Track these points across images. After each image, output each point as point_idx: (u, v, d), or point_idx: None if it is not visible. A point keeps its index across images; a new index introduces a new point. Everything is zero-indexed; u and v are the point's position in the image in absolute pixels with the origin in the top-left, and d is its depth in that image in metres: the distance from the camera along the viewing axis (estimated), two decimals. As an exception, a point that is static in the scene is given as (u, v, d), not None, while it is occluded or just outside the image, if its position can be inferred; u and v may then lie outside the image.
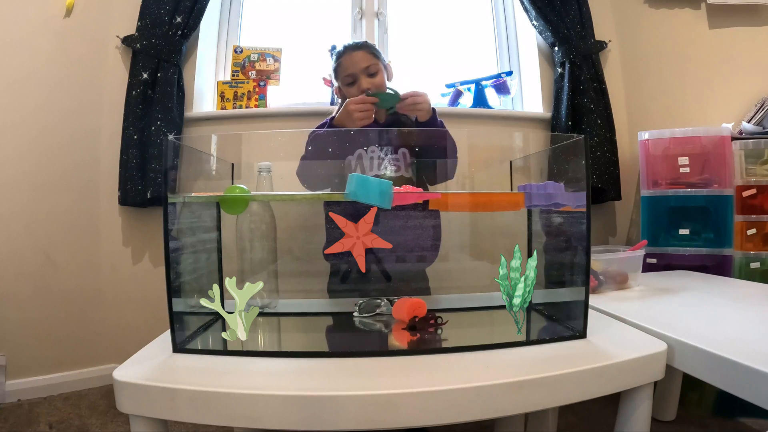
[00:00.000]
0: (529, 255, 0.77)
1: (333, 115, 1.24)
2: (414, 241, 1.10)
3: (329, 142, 1.05)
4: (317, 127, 1.25)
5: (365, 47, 1.24)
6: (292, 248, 1.10)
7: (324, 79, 1.85)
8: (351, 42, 1.27)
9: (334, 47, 1.82)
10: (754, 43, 1.82)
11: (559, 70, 1.83)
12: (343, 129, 1.16)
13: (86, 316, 1.64)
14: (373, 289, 1.00)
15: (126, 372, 0.64)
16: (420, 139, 1.11)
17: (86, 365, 1.64)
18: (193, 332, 0.80)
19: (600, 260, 1.13)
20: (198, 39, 1.76)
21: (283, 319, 0.97)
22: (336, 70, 1.25)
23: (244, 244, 0.99)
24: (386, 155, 1.16)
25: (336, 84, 1.28)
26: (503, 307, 0.78)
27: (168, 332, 0.73)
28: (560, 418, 1.09)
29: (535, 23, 1.84)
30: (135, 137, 1.60)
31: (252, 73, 1.81)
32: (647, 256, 1.57)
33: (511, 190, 1.04)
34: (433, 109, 1.20)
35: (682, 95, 1.89)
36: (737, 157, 1.56)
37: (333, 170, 1.01)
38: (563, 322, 0.83)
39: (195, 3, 1.65)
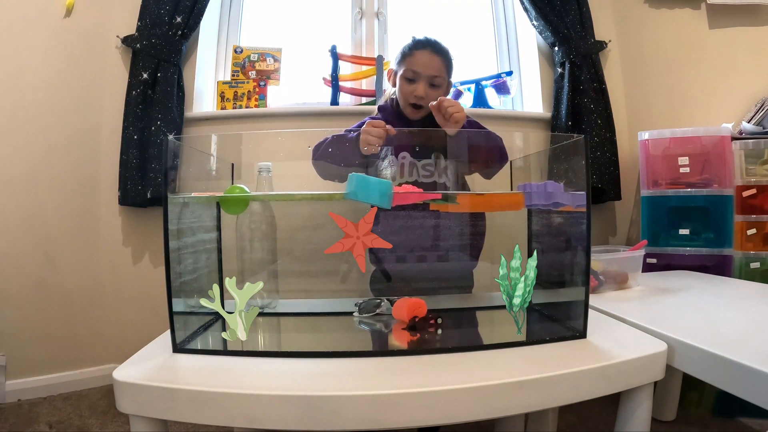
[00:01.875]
0: (529, 255, 0.77)
1: (381, 104, 1.26)
2: (459, 242, 1.09)
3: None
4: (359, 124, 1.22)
5: (444, 56, 1.17)
6: (292, 248, 1.10)
7: (324, 79, 1.84)
8: (435, 40, 1.18)
9: (334, 47, 1.82)
10: (754, 43, 1.82)
11: (559, 70, 1.83)
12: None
13: (86, 316, 1.64)
14: (414, 289, 1.01)
15: (126, 372, 0.64)
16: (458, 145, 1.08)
17: (86, 365, 1.64)
18: (193, 332, 0.80)
19: (600, 260, 1.13)
20: (198, 39, 1.76)
21: (283, 319, 0.97)
22: (404, 57, 1.18)
23: (244, 244, 0.99)
24: (419, 160, 1.11)
25: (395, 69, 1.21)
26: (503, 307, 0.78)
27: (168, 332, 0.73)
28: (560, 418, 1.10)
29: (535, 23, 1.84)
30: (135, 137, 1.60)
31: (252, 73, 1.81)
32: (647, 256, 1.57)
33: (511, 190, 1.04)
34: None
35: (682, 95, 1.89)
36: (737, 157, 1.56)
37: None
38: (563, 322, 0.83)
39: (195, 3, 1.65)
